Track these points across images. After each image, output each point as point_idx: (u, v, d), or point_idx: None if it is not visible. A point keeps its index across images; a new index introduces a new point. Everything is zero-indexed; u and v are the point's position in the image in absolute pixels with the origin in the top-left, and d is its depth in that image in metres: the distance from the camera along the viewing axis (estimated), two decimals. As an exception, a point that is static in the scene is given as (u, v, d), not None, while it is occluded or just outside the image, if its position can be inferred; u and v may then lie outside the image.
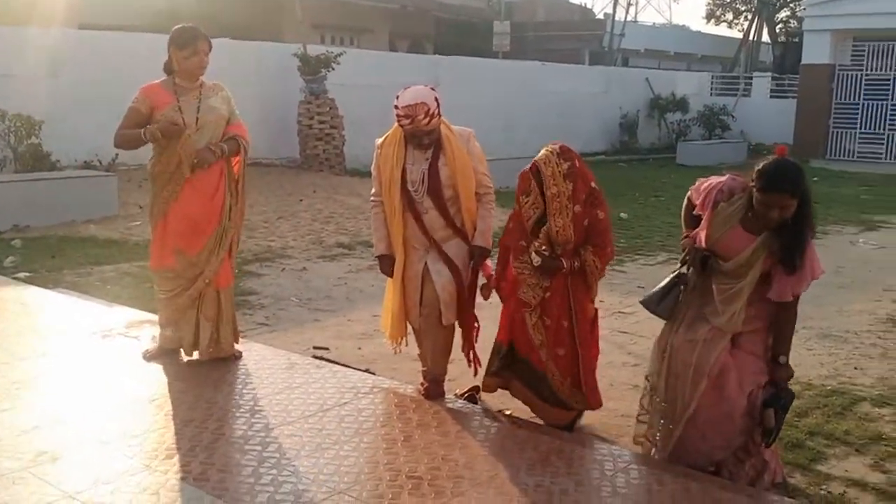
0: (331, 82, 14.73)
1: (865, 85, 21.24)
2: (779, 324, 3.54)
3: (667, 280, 3.78)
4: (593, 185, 3.98)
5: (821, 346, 5.87)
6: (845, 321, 6.46)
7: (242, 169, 4.64)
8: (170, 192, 4.43)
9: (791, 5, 38.40)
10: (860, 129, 21.43)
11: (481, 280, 4.35)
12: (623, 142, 22.22)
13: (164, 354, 4.66)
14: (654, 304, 3.80)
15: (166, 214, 4.48)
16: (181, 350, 4.67)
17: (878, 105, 21.19)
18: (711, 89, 25.61)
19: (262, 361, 4.67)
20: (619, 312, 6.61)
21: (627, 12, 38.35)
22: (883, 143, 21.24)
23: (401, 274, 4.30)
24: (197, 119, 4.42)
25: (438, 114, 4.06)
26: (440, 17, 30.20)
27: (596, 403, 4.09)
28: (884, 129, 21.20)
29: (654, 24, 43.43)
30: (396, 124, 4.15)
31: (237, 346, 4.75)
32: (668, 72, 27.13)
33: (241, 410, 3.96)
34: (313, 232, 9.56)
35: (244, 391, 4.22)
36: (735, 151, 20.92)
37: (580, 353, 4.00)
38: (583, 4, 46.17)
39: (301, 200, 11.49)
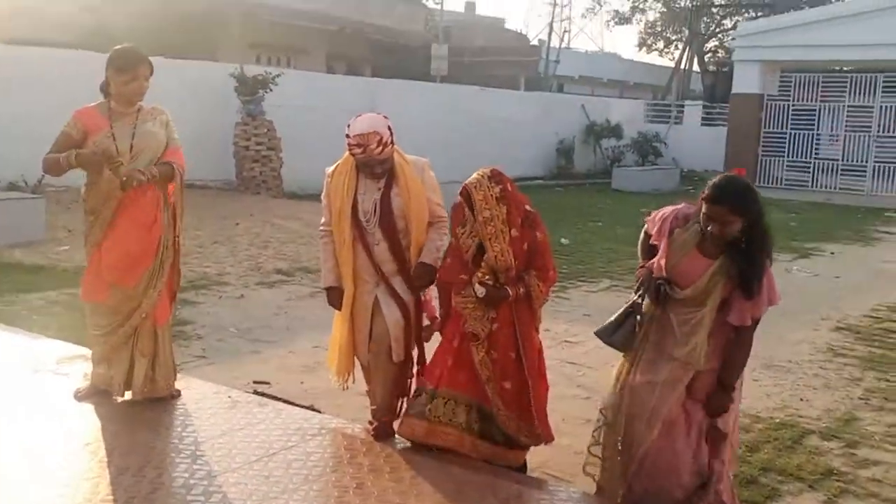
0: (268, 103, 14.51)
1: (793, 115, 21.92)
2: (732, 349, 3.46)
3: (621, 310, 3.72)
4: (528, 207, 3.89)
5: (766, 376, 5.90)
6: (787, 351, 6.52)
7: (179, 196, 4.40)
8: (104, 221, 4.20)
9: (719, 36, 39.60)
10: (787, 157, 22.07)
11: (424, 321, 4.19)
12: (560, 167, 22.46)
13: (96, 393, 4.36)
14: (608, 334, 3.73)
15: (100, 246, 4.22)
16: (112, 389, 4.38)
17: (804, 134, 21.87)
18: (645, 116, 26.10)
19: (201, 400, 4.43)
20: (566, 342, 6.55)
21: (562, 40, 39.07)
22: (809, 172, 21.90)
23: (349, 307, 4.15)
24: (131, 146, 4.18)
25: (391, 142, 3.95)
26: (378, 39, 30.11)
27: (548, 437, 3.96)
28: (810, 158, 21.88)
29: (586, 51, 44.22)
30: (347, 152, 4.02)
31: (175, 384, 4.51)
32: (602, 98, 27.59)
33: (182, 456, 3.72)
34: (251, 257, 9.31)
35: (184, 434, 3.98)
36: (668, 178, 21.33)
37: (530, 384, 3.87)
38: (518, 31, 46.74)
39: (237, 224, 11.20)
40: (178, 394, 4.45)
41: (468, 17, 44.44)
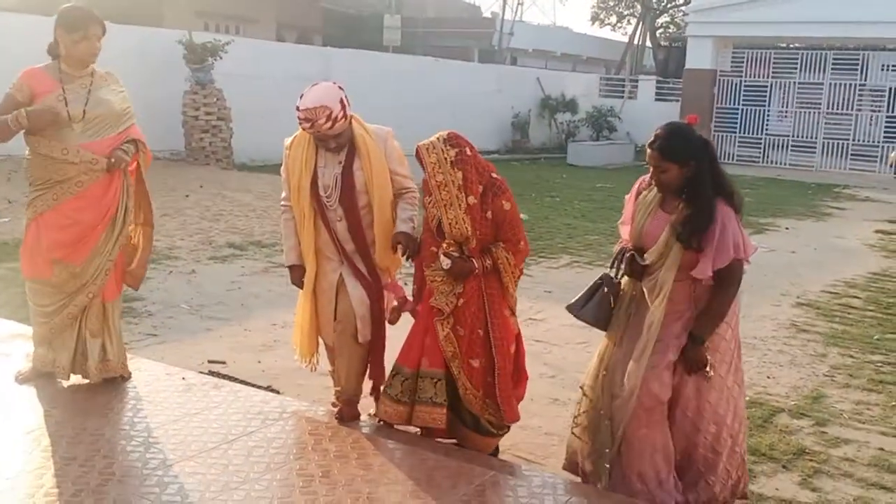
0: (218, 72, 14.04)
1: (744, 90, 22.06)
2: (709, 303, 3.29)
3: (592, 284, 3.58)
4: (494, 175, 3.69)
5: (731, 353, 5.83)
6: (751, 327, 6.47)
7: (142, 170, 4.14)
8: (53, 196, 3.89)
9: (670, 11, 39.75)
10: (739, 133, 22.24)
11: (392, 302, 3.99)
12: (515, 141, 22.32)
13: (39, 376, 4.08)
14: (578, 308, 3.61)
15: (43, 217, 3.91)
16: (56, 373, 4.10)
17: (756, 111, 22.05)
18: (599, 91, 26.06)
19: (153, 382, 4.18)
20: (531, 319, 6.41)
21: (515, 12, 38.79)
22: (760, 147, 22.12)
23: (312, 286, 3.94)
24: (84, 112, 3.87)
25: (344, 116, 3.69)
26: (329, 8, 29.56)
27: (512, 417, 3.79)
28: (761, 134, 22.09)
29: (538, 24, 44.03)
30: None
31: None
32: (557, 72, 27.45)
33: (133, 444, 3.48)
34: (202, 231, 8.98)
35: (135, 420, 3.72)
36: (622, 152, 21.36)
37: (497, 361, 3.70)
38: (471, 2, 46.33)
39: (187, 196, 10.83)
40: (128, 375, 4.19)
41: (421, -13, 43.86)
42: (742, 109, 22.13)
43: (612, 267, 3.56)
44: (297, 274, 3.96)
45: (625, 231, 3.54)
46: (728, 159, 21.94)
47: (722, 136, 22.35)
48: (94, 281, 3.97)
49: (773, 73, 21.83)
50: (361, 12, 30.73)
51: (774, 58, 21.86)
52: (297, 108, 3.67)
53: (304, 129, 3.74)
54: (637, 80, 26.84)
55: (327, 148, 3.78)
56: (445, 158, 3.55)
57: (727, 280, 3.25)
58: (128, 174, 4.05)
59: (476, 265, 3.59)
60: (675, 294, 3.29)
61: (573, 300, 3.63)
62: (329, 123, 3.63)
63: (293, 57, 17.34)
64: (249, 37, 23.02)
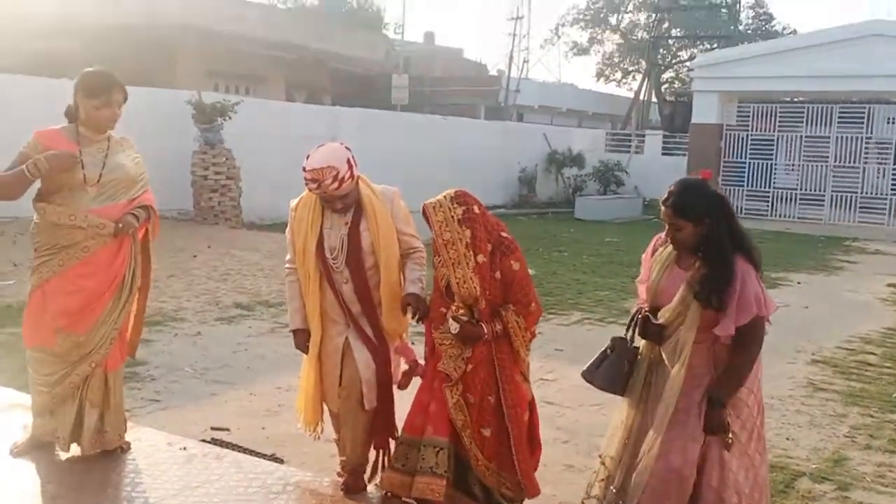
0: (227, 132, 14.14)
1: (751, 144, 22.11)
2: (729, 364, 3.17)
3: (604, 347, 3.48)
4: (504, 234, 3.61)
5: (748, 414, 5.68)
6: (768, 386, 6.22)
7: (150, 237, 4.10)
8: (59, 262, 3.80)
9: (675, 67, 40.20)
10: (747, 186, 22.22)
11: (402, 365, 3.89)
12: (522, 196, 22.37)
13: (37, 448, 3.97)
14: (590, 374, 3.50)
15: (48, 283, 3.82)
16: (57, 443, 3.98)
17: (763, 164, 22.06)
18: (606, 146, 26.18)
19: (153, 454, 4.06)
20: (542, 379, 6.27)
21: (521, 70, 39.20)
22: (768, 201, 22.05)
23: (317, 350, 3.84)
24: (100, 176, 3.81)
25: (351, 176, 3.65)
26: (338, 68, 29.94)
27: (534, 491, 3.67)
28: (769, 187, 22.05)
29: (544, 81, 44.54)
30: None
31: (125, 436, 4.13)
32: (564, 128, 27.67)
33: (131, 520, 3.37)
34: (208, 291, 8.92)
35: (134, 495, 3.60)
36: (630, 206, 21.34)
37: (511, 431, 3.58)
38: (477, 61, 46.98)
39: (195, 256, 10.80)
40: (127, 447, 4.07)
41: (427, 47, 44.59)
42: (749, 163, 22.14)
43: (627, 329, 3.47)
44: (301, 338, 3.88)
45: (643, 290, 3.46)
46: (736, 213, 21.72)
47: (730, 190, 22.28)
48: (98, 350, 3.86)
49: (779, 126, 21.88)
50: (369, 72, 31.13)
51: (780, 111, 21.95)
52: (304, 169, 3.63)
53: (310, 190, 3.70)
54: (643, 135, 26.99)
55: (334, 209, 3.73)
56: (453, 217, 3.49)
57: (749, 339, 3.15)
58: (137, 240, 3.99)
59: (486, 330, 3.49)
60: (695, 357, 3.19)
61: (586, 366, 3.53)
62: (336, 184, 3.59)
63: (302, 116, 17.52)
64: (260, 96, 23.33)
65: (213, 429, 4.92)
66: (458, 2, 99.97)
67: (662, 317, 3.21)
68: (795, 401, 6.06)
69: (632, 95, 37.44)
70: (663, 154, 25.25)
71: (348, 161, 3.64)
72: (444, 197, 3.56)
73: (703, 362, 3.20)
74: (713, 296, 3.08)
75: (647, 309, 3.32)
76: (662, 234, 3.37)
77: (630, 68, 41.57)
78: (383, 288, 3.77)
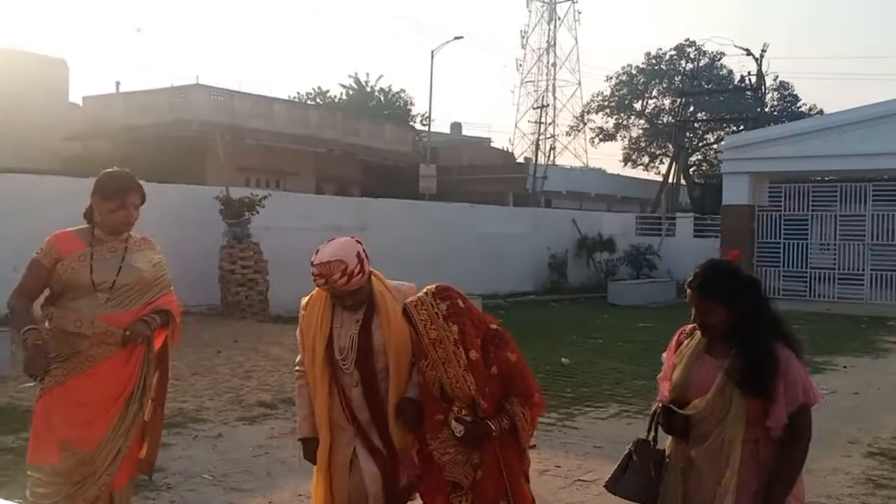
0: (256, 225, 14.20)
1: (785, 225, 21.78)
2: (779, 462, 2.88)
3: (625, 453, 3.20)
4: (494, 326, 3.35)
5: (804, 516, 5.25)
6: (821, 484, 5.88)
7: (169, 343, 3.83)
8: (64, 371, 3.53)
9: (703, 150, 40.29)
10: (783, 267, 21.79)
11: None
12: (553, 281, 22.12)
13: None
14: (613, 485, 3.20)
15: (51, 393, 3.53)
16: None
17: (797, 244, 21.69)
18: (636, 229, 25.99)
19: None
20: (580, 481, 5.89)
21: (548, 157, 39.57)
22: (806, 281, 21.60)
23: (326, 460, 3.56)
24: (114, 281, 3.59)
25: (362, 271, 3.44)
26: (366, 160, 30.40)
27: None
28: (805, 268, 21.62)
29: (571, 167, 44.83)
30: None
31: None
32: (593, 212, 27.58)
33: None
34: (232, 389, 8.68)
35: None
36: (664, 291, 20.95)
37: None
38: (504, 149, 47.53)
39: (219, 352, 10.62)
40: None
41: (454, 137, 45.34)
42: (784, 243, 21.79)
43: (648, 430, 3.16)
44: (310, 448, 3.62)
45: (665, 387, 3.15)
46: (773, 294, 21.35)
47: (765, 271, 21.93)
48: (107, 470, 3.53)
49: (812, 205, 21.61)
50: (398, 163, 31.55)
51: (813, 191, 21.70)
52: (312, 264, 3.44)
53: (318, 286, 3.49)
54: (674, 218, 26.77)
55: (344, 306, 3.52)
56: (437, 313, 3.23)
57: (799, 430, 2.87)
58: (152, 347, 3.72)
59: (494, 427, 3.20)
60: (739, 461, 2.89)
61: (610, 474, 3.23)
62: (344, 279, 3.39)
63: (330, 208, 17.61)
64: (290, 189, 23.64)
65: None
66: (485, 92, 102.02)
67: (696, 408, 2.92)
68: (855, 499, 5.61)
69: (660, 179, 37.47)
70: (695, 236, 24.97)
71: (358, 255, 3.45)
72: (425, 293, 3.31)
73: (746, 464, 2.89)
74: (758, 383, 2.82)
75: (668, 400, 3.03)
76: (687, 327, 3.14)
77: (657, 152, 41.78)
78: (392, 394, 3.51)
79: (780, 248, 21.82)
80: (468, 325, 3.23)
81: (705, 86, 38.46)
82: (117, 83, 29.07)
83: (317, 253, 3.46)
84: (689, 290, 2.98)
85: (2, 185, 12.31)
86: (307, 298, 3.67)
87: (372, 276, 3.57)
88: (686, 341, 3.10)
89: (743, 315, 2.89)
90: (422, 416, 3.42)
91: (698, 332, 3.03)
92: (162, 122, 24.12)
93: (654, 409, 3.17)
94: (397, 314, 3.50)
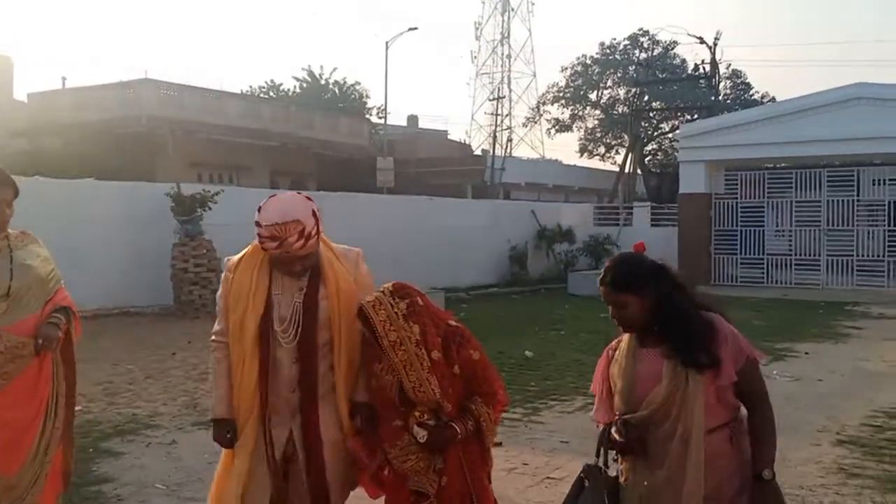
0: (209, 222, 13.79)
1: (741, 212, 21.92)
2: (752, 428, 2.81)
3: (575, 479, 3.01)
4: (452, 322, 3.14)
5: (779, 508, 5.13)
6: (793, 475, 5.78)
7: (71, 343, 3.47)
8: None
9: (658, 139, 40.56)
10: (740, 254, 21.95)
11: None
12: (514, 273, 22.00)
13: None
14: None
15: None
16: None
17: (754, 231, 21.84)
18: (594, 220, 26.01)
19: None
20: (548, 479, 5.71)
21: (505, 149, 39.46)
22: (763, 268, 21.78)
23: (250, 448, 3.16)
24: (9, 287, 3.20)
25: (318, 232, 3.08)
26: (322, 153, 29.98)
27: None
28: (762, 254, 21.79)
29: (528, 158, 44.81)
30: (257, 241, 3.15)
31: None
32: (552, 203, 27.54)
33: None
34: (187, 392, 8.36)
35: None
36: (624, 280, 20.95)
37: None
38: (461, 141, 47.38)
39: (174, 354, 10.27)
40: None
41: (411, 130, 45.04)
42: (741, 230, 21.93)
43: (597, 455, 2.96)
44: (225, 430, 3.18)
45: (603, 409, 2.98)
46: (731, 281, 21.57)
47: (722, 259, 22.08)
48: (32, 489, 3.23)
49: (768, 192, 21.76)
50: (354, 156, 31.17)
51: (769, 178, 21.88)
52: (258, 224, 3.04)
53: (265, 250, 3.09)
54: (631, 207, 26.84)
55: (290, 271, 3.13)
56: (397, 313, 2.97)
57: (757, 384, 2.84)
58: (57, 351, 3.37)
59: (459, 429, 3.00)
60: (715, 454, 2.73)
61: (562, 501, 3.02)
62: (301, 242, 3.01)
63: (285, 203, 17.21)
64: (244, 184, 23.16)
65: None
66: (441, 85, 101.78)
67: (654, 402, 2.74)
68: (828, 490, 5.51)
69: (616, 169, 37.63)
70: (652, 225, 25.06)
71: (314, 213, 3.08)
72: (383, 292, 3.05)
73: (727, 457, 2.76)
74: (702, 350, 2.71)
75: (622, 412, 2.84)
76: (612, 343, 3.03)
77: (613, 142, 41.92)
78: (344, 369, 3.17)
79: (737, 235, 21.96)
80: (429, 324, 3.02)
81: (659, 75, 38.64)
82: (63, 79, 28.33)
83: (260, 211, 3.07)
84: (601, 288, 2.88)
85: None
86: (236, 259, 3.27)
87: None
88: (614, 353, 2.98)
89: (658, 300, 2.80)
90: (376, 421, 3.17)
91: (625, 336, 2.94)
92: (110, 117, 23.50)
93: (602, 431, 2.97)
94: (348, 282, 3.20)
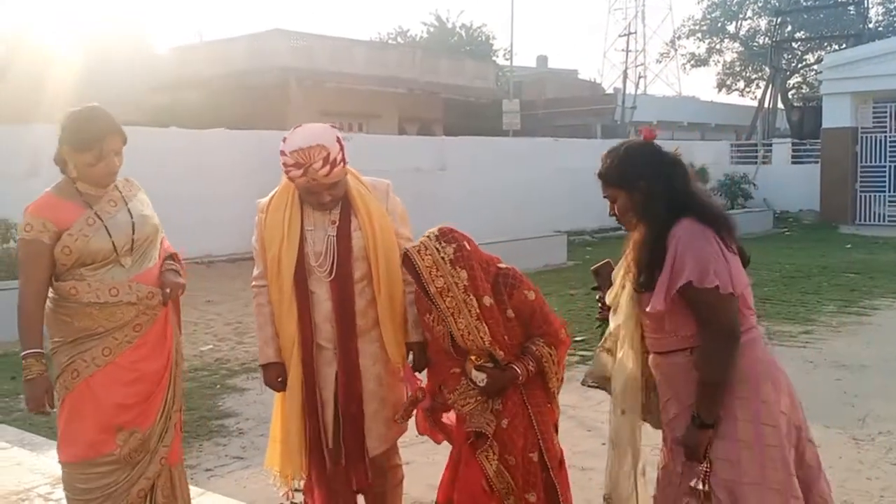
0: (334, 169, 14.12)
1: (891, 147, 20.46)
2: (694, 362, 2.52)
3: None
4: (502, 265, 3.02)
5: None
6: None
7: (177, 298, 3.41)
8: (104, 351, 3.04)
9: (802, 71, 38.18)
10: (888, 192, 20.56)
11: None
12: (642, 216, 21.50)
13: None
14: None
15: (93, 379, 3.03)
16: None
17: (906, 167, 20.38)
18: (731, 158, 24.94)
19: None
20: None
21: (637, 86, 38.19)
22: (914, 207, 20.35)
23: (300, 386, 3.16)
24: (133, 239, 3.08)
25: (343, 160, 3.02)
26: (449, 98, 29.99)
27: None
28: (914, 192, 20.34)
29: (663, 95, 43.30)
30: (285, 177, 3.10)
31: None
32: (685, 142, 26.53)
33: None
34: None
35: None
36: (760, 220, 20.09)
37: (560, 493, 2.99)
38: (592, 80, 46.26)
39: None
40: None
41: (540, 70, 44.31)
42: (889, 166, 20.49)
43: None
44: (272, 373, 3.20)
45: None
46: (878, 220, 20.29)
47: (869, 196, 20.75)
48: (164, 443, 3.18)
49: (921, 125, 20.20)
50: (480, 99, 31.01)
51: (922, 109, 20.27)
52: (283, 153, 2.99)
53: (291, 179, 3.03)
54: (770, 144, 25.55)
55: (320, 204, 3.08)
56: (444, 258, 2.87)
57: (703, 313, 2.47)
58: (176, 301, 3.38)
59: (519, 371, 2.91)
60: (672, 379, 2.60)
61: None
62: (326, 168, 2.95)
63: (410, 149, 17.45)
64: (373, 131, 23.56)
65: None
66: (571, 23, 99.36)
67: (608, 298, 2.87)
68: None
69: (755, 104, 35.74)
70: (793, 163, 23.80)
71: (338, 140, 3.03)
72: (428, 237, 2.94)
73: (677, 375, 2.58)
74: (642, 272, 2.54)
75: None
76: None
77: (753, 76, 39.85)
78: (385, 303, 3.14)
79: (885, 171, 20.53)
80: (477, 269, 2.92)
81: (804, 2, 36.16)
82: (200, 34, 29.41)
83: (286, 141, 3.01)
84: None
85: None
86: (267, 199, 3.21)
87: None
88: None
89: (646, 196, 2.59)
90: (427, 358, 3.17)
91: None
92: (243, 69, 24.29)
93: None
94: (381, 213, 3.17)
